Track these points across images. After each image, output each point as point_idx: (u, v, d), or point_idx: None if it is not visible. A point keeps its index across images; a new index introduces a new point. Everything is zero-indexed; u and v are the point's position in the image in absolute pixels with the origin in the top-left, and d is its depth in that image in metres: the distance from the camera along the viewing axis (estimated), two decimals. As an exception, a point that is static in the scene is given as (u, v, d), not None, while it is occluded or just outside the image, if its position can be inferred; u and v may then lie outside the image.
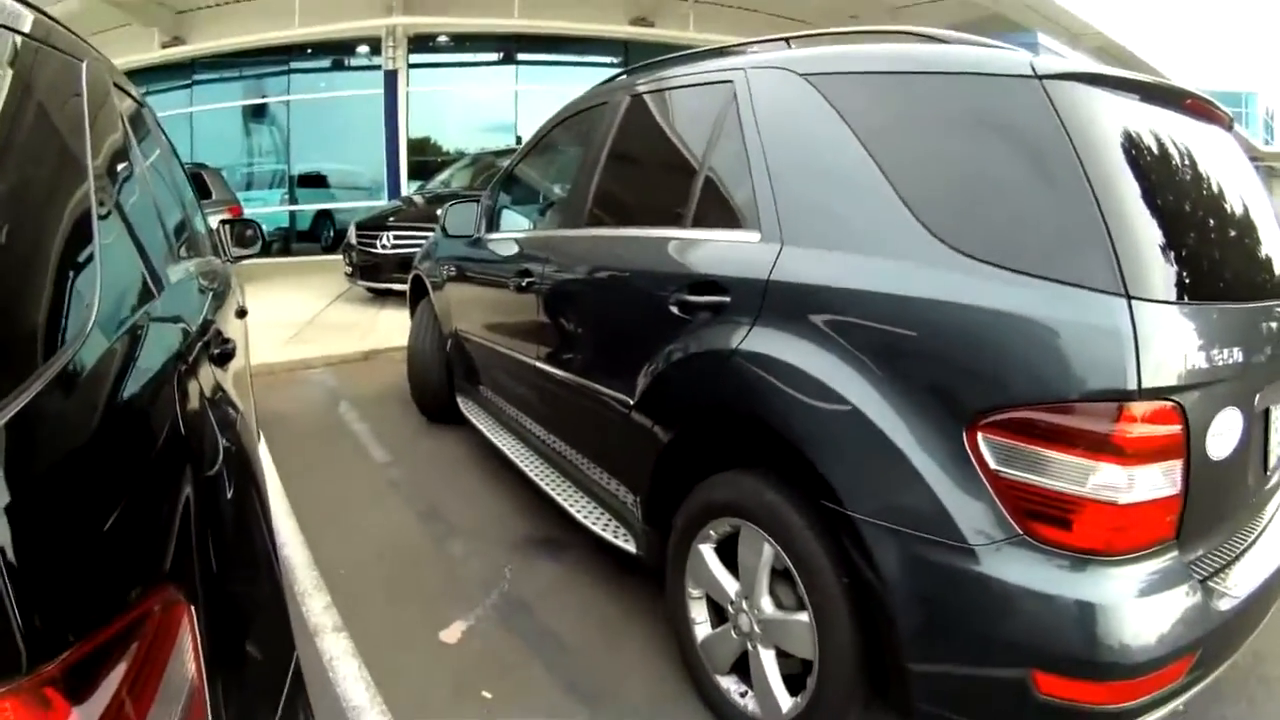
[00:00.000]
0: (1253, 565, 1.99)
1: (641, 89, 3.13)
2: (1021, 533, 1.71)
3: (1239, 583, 1.91)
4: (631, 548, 2.75)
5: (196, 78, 15.08)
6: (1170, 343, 1.65)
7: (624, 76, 3.45)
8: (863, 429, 1.87)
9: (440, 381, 4.99)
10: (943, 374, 1.81)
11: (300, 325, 8.39)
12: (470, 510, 3.90)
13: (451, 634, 2.84)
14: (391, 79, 13.93)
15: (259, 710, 1.07)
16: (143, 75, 14.80)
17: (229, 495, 1.31)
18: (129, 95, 2.19)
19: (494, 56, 15.46)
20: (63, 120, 1.29)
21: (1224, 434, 1.80)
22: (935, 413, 1.79)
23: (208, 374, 1.59)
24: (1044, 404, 1.66)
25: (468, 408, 4.54)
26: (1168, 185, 1.92)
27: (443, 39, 14.72)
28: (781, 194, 2.26)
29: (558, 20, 14.22)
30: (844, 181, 2.13)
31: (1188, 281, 1.75)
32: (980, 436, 1.73)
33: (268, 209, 15.77)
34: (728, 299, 2.30)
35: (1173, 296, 1.69)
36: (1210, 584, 1.85)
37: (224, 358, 1.88)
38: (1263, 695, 2.52)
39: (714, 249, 2.46)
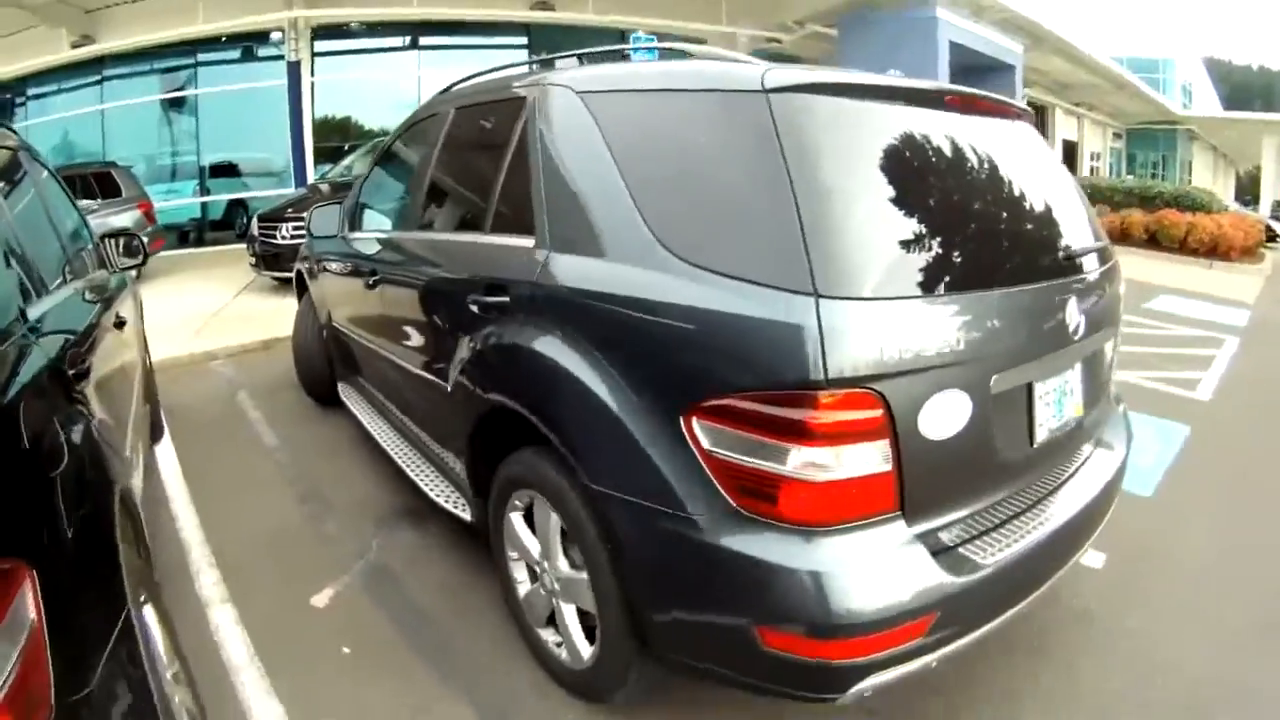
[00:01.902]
0: (1012, 535, 2.13)
1: (462, 103, 3.37)
2: (736, 506, 1.88)
3: (990, 551, 2.04)
4: (467, 516, 3.03)
5: (106, 74, 14.74)
6: (860, 336, 1.76)
7: (453, 88, 3.68)
8: (599, 414, 2.09)
9: (322, 369, 5.21)
10: (664, 367, 2.00)
11: (206, 318, 8.48)
12: (347, 489, 4.19)
13: (321, 599, 3.16)
14: (294, 69, 13.83)
15: (90, 651, 1.38)
16: (53, 75, 14.50)
17: (74, 486, 1.60)
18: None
19: (397, 43, 15.42)
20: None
21: (943, 415, 1.91)
22: (659, 400, 1.98)
23: (56, 385, 1.87)
24: (746, 393, 1.81)
25: (345, 393, 4.78)
26: (887, 186, 1.99)
27: (345, 28, 14.60)
28: (551, 203, 2.45)
29: (458, 7, 14.24)
30: (597, 192, 2.30)
31: (892, 278, 1.86)
32: (695, 422, 1.90)
33: (181, 201, 15.58)
34: (507, 299, 2.54)
35: (867, 293, 1.79)
36: (954, 552, 1.99)
37: (77, 369, 2.13)
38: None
39: (502, 254, 2.67)
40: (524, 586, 2.70)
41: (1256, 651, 2.80)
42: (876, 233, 1.90)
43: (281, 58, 13.80)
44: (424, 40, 15.46)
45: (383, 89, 15.32)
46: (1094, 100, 29.51)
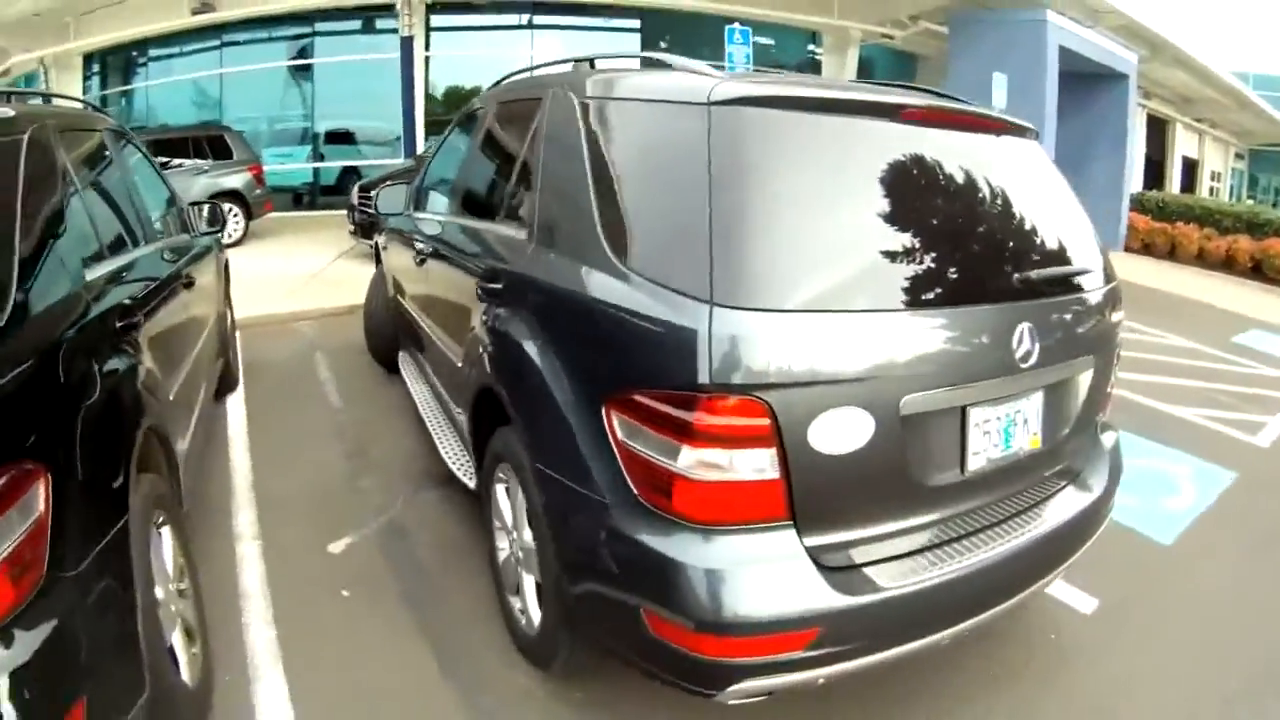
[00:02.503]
0: (934, 563, 2.15)
1: (500, 98, 3.68)
2: (638, 496, 2.03)
3: (897, 576, 2.07)
4: (471, 484, 3.32)
5: (226, 40, 15.79)
6: (749, 345, 1.85)
7: (501, 83, 3.93)
8: (548, 400, 2.31)
9: (390, 337, 5.65)
10: (596, 360, 2.20)
11: (303, 279, 9.14)
12: (390, 450, 4.63)
13: (338, 547, 3.57)
14: (408, 44, 14.44)
15: (85, 543, 1.79)
16: (175, 39, 15.61)
17: (98, 416, 2.02)
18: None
19: (511, 21, 15.96)
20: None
21: (837, 431, 1.94)
22: (589, 392, 2.17)
23: (99, 334, 2.30)
24: (649, 390, 1.96)
25: (402, 361, 5.20)
26: (813, 200, 2.04)
27: (461, 4, 15.22)
28: (541, 199, 2.68)
29: None
30: (572, 192, 2.47)
31: (793, 291, 1.91)
32: (612, 412, 2.07)
33: (295, 165, 16.56)
34: (500, 286, 2.80)
35: (761, 304, 1.87)
36: (855, 572, 2.05)
37: (126, 321, 2.56)
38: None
39: (504, 244, 2.94)
40: (502, 554, 2.92)
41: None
42: (786, 246, 1.95)
43: (395, 31, 14.47)
44: (538, 20, 15.97)
45: (495, 66, 15.84)
46: (1216, 117, 27.97)
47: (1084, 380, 2.60)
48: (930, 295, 2.13)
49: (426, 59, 15.61)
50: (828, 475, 1.98)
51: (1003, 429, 2.31)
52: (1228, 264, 14.83)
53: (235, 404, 5.36)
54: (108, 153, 3.34)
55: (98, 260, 2.59)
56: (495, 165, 3.66)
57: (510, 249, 2.86)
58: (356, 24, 15.59)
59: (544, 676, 2.72)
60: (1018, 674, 2.88)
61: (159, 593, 2.28)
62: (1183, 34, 18.62)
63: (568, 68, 3.26)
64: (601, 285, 2.20)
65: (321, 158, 16.80)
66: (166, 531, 2.52)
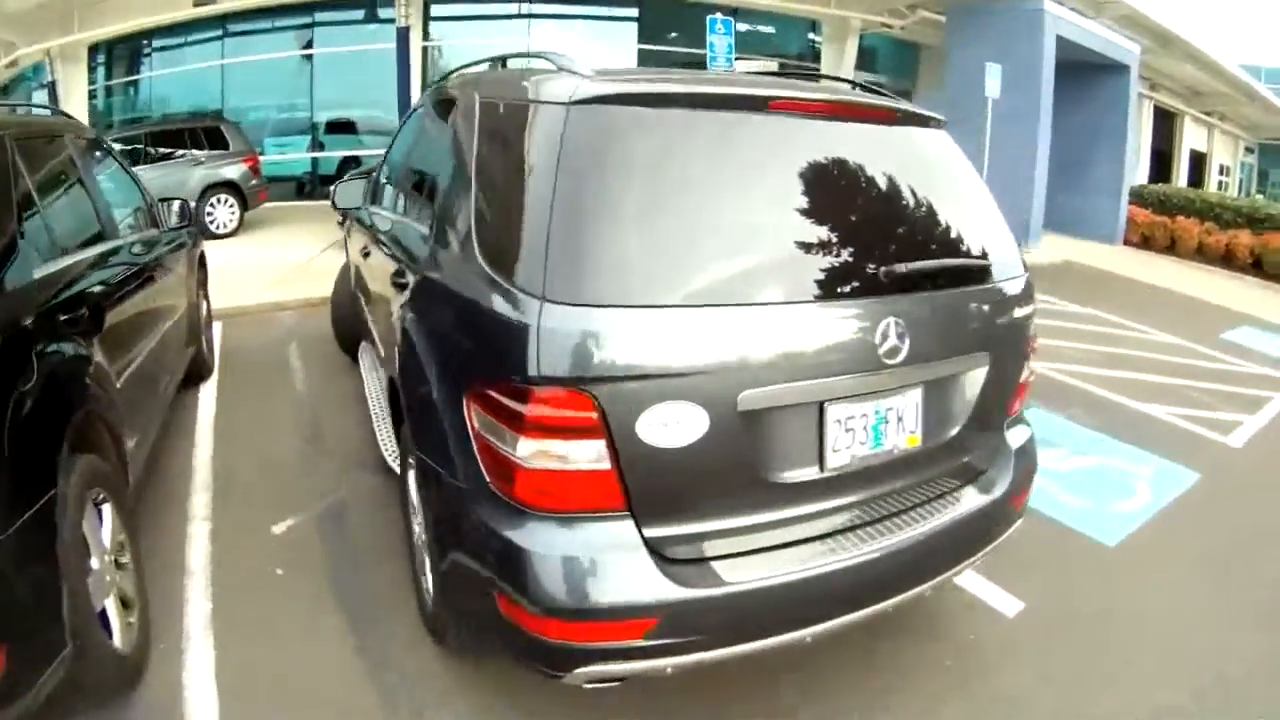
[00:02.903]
0: (791, 560, 2.21)
1: (430, 97, 3.79)
2: (490, 483, 2.13)
3: (746, 571, 2.13)
4: (397, 469, 3.47)
5: (229, 30, 16.15)
6: (574, 340, 1.93)
7: (437, 84, 4.00)
8: (425, 392, 2.49)
9: (352, 327, 5.83)
10: (460, 356, 2.33)
11: (288, 270, 9.47)
12: (346, 437, 4.95)
13: (280, 528, 3.87)
14: (404, 34, 14.67)
15: (11, 512, 2.08)
16: (177, 29, 16.01)
17: (26, 402, 2.32)
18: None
19: (508, 10, 16.27)
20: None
21: (668, 425, 2.00)
22: (455, 384, 2.28)
23: (38, 327, 2.60)
24: (495, 383, 2.05)
25: (361, 351, 5.41)
26: (661, 196, 2.10)
27: None
28: (440, 198, 2.79)
29: None
30: (458, 191, 2.58)
31: (625, 287, 1.98)
32: (470, 404, 2.17)
33: (294, 155, 16.92)
34: (407, 281, 2.95)
35: (589, 300, 1.95)
36: (699, 564, 2.13)
37: (70, 314, 2.87)
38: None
39: (415, 241, 3.05)
40: (415, 536, 3.03)
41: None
42: (619, 243, 2.01)
43: (392, 21, 14.77)
44: (535, 9, 16.26)
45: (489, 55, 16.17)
46: (1226, 110, 27.94)
47: (976, 377, 2.56)
48: (779, 290, 2.15)
49: (426, 49, 15.90)
50: (664, 468, 2.04)
51: (871, 426, 2.32)
52: (1227, 259, 14.94)
53: (207, 391, 5.70)
54: (67, 157, 3.65)
55: (47, 259, 2.89)
56: (420, 163, 3.70)
57: (417, 246, 3.00)
58: (356, 14, 15.92)
59: (447, 654, 2.92)
60: (931, 672, 2.95)
61: (94, 563, 2.60)
62: (1191, 26, 18.69)
63: (484, 67, 3.46)
64: (468, 282, 2.28)
65: (321, 147, 17.12)
66: (108, 509, 2.84)
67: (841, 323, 2.22)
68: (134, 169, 4.99)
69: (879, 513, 2.44)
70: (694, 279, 2.06)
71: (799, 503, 2.27)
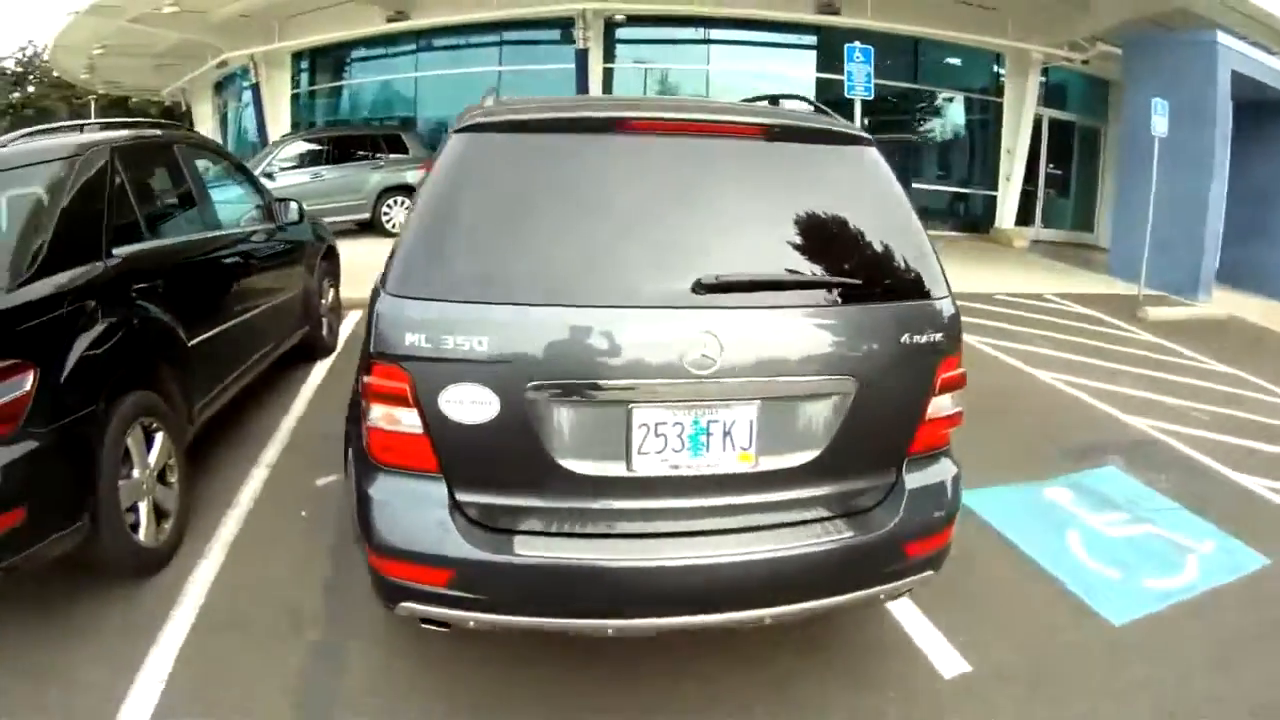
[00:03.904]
0: (582, 548, 2.44)
1: None
2: (367, 441, 2.49)
3: (541, 549, 2.41)
4: None
5: (421, 46, 17.95)
6: (393, 324, 2.32)
7: None
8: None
9: None
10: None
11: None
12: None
13: (323, 481, 4.70)
14: (582, 56, 15.86)
15: (57, 414, 3.03)
16: (374, 42, 18.05)
17: (86, 341, 3.28)
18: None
19: (688, 35, 17.09)
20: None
21: (463, 403, 2.32)
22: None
23: (114, 292, 3.58)
24: (362, 358, 2.53)
25: None
26: (498, 209, 2.43)
27: (638, 19, 16.41)
28: None
29: (740, 6, 15.58)
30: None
31: (441, 284, 2.34)
32: (358, 375, 2.64)
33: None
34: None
35: (408, 293, 2.34)
36: (499, 534, 2.43)
37: (141, 280, 3.86)
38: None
39: None
40: None
41: None
42: (445, 247, 2.41)
43: (573, 43, 16.03)
44: (714, 34, 17.01)
45: (672, 83, 17.18)
46: None
47: (838, 403, 2.52)
48: (587, 294, 2.36)
49: (609, 70, 16.98)
50: (467, 441, 2.37)
51: (689, 436, 2.43)
52: None
53: (321, 367, 6.79)
54: (171, 162, 4.72)
55: (127, 242, 3.88)
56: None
57: None
58: (540, 35, 17.15)
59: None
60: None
61: (135, 472, 3.56)
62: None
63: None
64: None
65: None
66: (160, 436, 3.78)
67: (647, 330, 2.36)
68: (254, 172, 6.13)
69: (708, 525, 2.51)
70: (501, 280, 2.36)
71: (606, 498, 2.46)
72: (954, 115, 18.20)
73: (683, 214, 2.49)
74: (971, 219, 17.62)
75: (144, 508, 3.64)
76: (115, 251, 3.70)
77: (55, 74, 30.98)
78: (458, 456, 2.41)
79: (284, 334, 6.02)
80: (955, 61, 17.52)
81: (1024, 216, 17.41)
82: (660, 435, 2.41)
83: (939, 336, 2.63)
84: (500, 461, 2.42)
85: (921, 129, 18.09)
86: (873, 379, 2.53)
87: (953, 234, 16.82)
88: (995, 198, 17.22)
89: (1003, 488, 4.80)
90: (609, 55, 17.00)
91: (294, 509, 4.41)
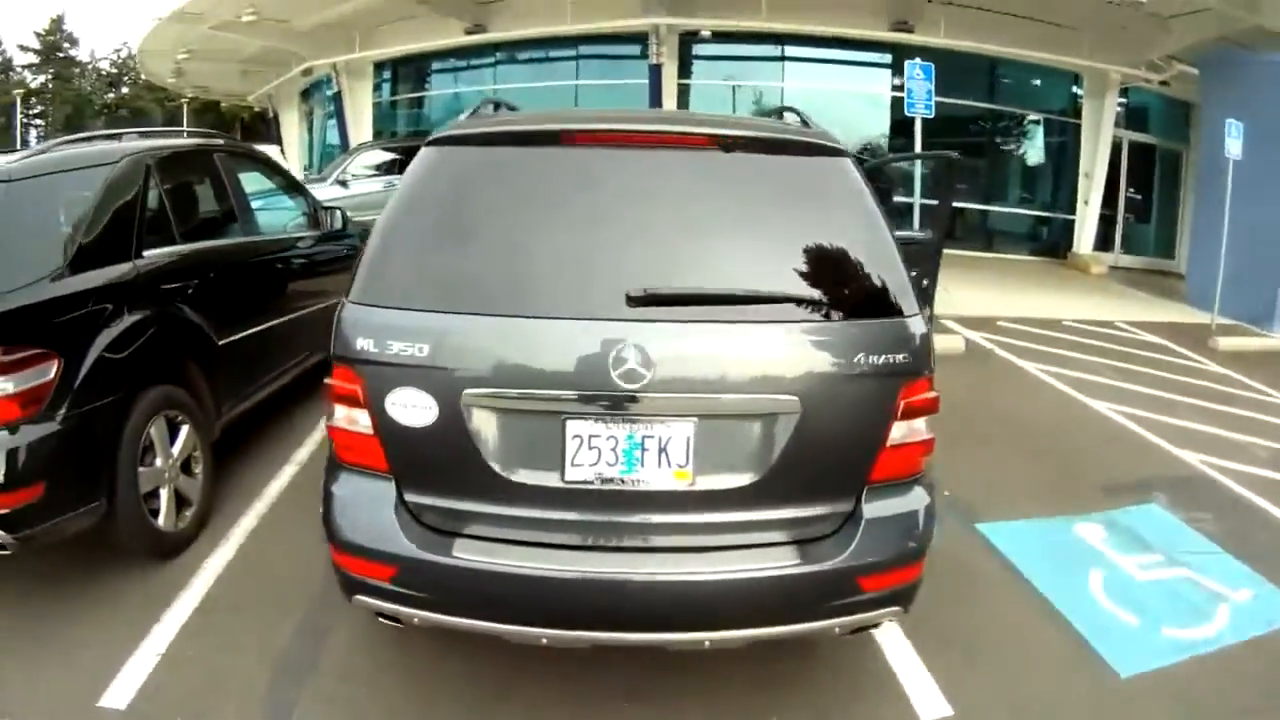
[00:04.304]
0: (517, 555, 2.47)
1: None
2: (331, 438, 2.67)
3: (470, 552, 2.47)
4: None
5: (500, 59, 18.50)
6: (349, 329, 2.46)
7: None
8: None
9: None
10: None
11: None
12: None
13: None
14: (655, 72, 16.07)
15: (76, 402, 3.33)
16: (454, 54, 18.63)
17: (110, 334, 3.59)
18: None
19: (763, 52, 17.08)
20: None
21: (405, 407, 2.43)
22: None
23: (139, 287, 3.90)
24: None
25: None
26: (451, 220, 2.56)
27: (710, 36, 16.56)
28: None
29: (815, 23, 15.56)
30: None
31: (392, 293, 2.46)
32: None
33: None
34: None
35: (365, 301, 2.48)
36: (442, 535, 2.52)
37: (168, 280, 4.19)
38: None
39: None
40: None
41: None
42: (397, 257, 2.54)
43: (646, 58, 16.30)
44: (790, 51, 17.01)
45: (745, 96, 17.31)
46: None
47: (782, 424, 2.47)
48: (521, 304, 2.43)
49: (685, 86, 17.15)
50: (411, 443, 2.48)
51: (622, 450, 2.45)
52: None
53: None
54: (209, 172, 5.06)
55: (158, 245, 4.18)
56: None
57: None
58: (615, 49, 17.43)
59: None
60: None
61: (158, 460, 3.86)
62: None
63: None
64: None
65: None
66: (185, 429, 4.09)
67: (577, 342, 2.40)
68: (306, 182, 6.45)
69: (643, 543, 2.53)
70: (445, 290, 2.46)
71: (542, 506, 2.50)
72: (1031, 137, 17.89)
73: (629, 226, 2.52)
74: (1048, 243, 17.31)
75: (165, 494, 3.93)
76: (145, 254, 4.03)
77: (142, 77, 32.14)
78: (404, 458, 2.52)
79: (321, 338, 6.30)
80: (1032, 82, 17.27)
81: (1103, 242, 17.03)
82: (594, 448, 2.44)
83: (901, 357, 2.51)
84: (440, 465, 2.51)
85: (997, 151, 17.83)
86: (820, 400, 2.46)
87: (1028, 258, 16.63)
88: (1073, 222, 16.88)
89: (1029, 521, 4.64)
90: (684, 71, 17.19)
91: (314, 504, 4.60)
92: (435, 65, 19.61)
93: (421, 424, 2.44)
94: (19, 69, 58.44)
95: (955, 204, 15.57)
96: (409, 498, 2.55)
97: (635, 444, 2.44)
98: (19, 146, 13.01)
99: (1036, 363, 8.16)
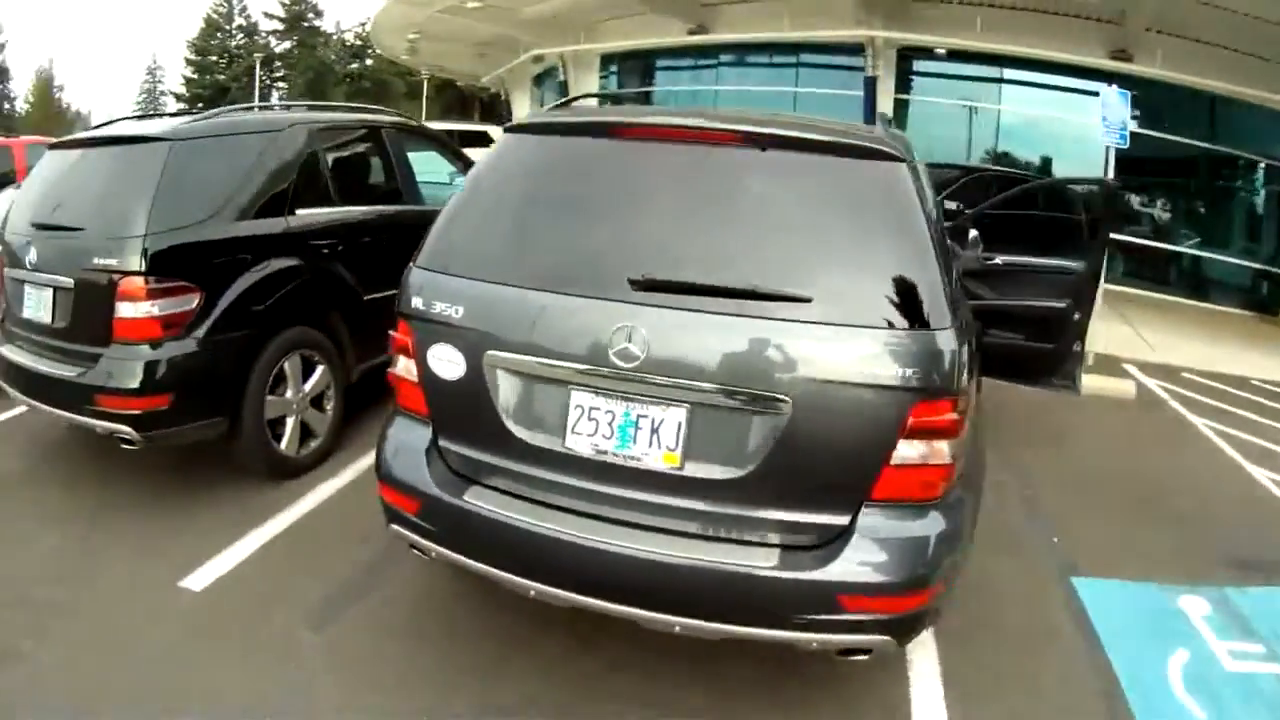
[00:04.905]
0: (517, 507, 2.65)
1: None
2: (392, 384, 2.94)
3: (479, 498, 2.69)
4: None
5: (722, 61, 18.75)
6: (411, 289, 2.75)
7: None
8: None
9: None
10: None
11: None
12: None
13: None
14: (870, 84, 15.93)
15: (214, 330, 3.93)
16: (677, 53, 19.04)
17: (252, 277, 4.18)
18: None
19: (980, 73, 16.47)
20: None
21: (441, 361, 2.69)
22: None
23: (291, 241, 4.44)
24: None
25: None
26: (510, 199, 2.83)
27: (930, 52, 16.16)
28: None
29: (1028, 46, 14.88)
30: None
31: (445, 259, 2.75)
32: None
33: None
34: None
35: (425, 266, 2.78)
36: (461, 479, 2.76)
37: (319, 238, 4.73)
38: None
39: None
40: None
41: None
42: (456, 230, 2.83)
43: (863, 69, 16.17)
44: (1008, 75, 16.30)
45: (959, 116, 16.79)
46: None
47: (771, 423, 2.45)
48: (543, 280, 2.61)
49: (903, 101, 16.79)
50: (445, 394, 2.74)
51: (617, 425, 2.55)
52: None
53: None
54: (374, 143, 5.56)
55: (312, 206, 4.68)
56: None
57: None
58: (835, 59, 17.22)
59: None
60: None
61: (289, 392, 4.40)
62: None
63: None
64: None
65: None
66: (321, 368, 4.61)
67: (584, 319, 2.54)
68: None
69: (629, 517, 2.59)
70: (486, 260, 2.72)
71: (544, 467, 2.65)
72: (1253, 183, 16.27)
73: (652, 215, 2.63)
74: (1260, 298, 15.61)
75: (290, 423, 4.46)
76: (298, 212, 4.56)
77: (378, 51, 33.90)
78: (440, 406, 2.78)
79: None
80: (1260, 124, 15.73)
81: (1328, 302, 15.30)
82: (593, 419, 2.56)
83: (914, 372, 2.37)
84: (466, 417, 2.73)
85: (1213, 194, 16.39)
86: (813, 405, 2.41)
87: (1236, 311, 15.08)
88: (1291, 278, 15.29)
89: (1132, 582, 4.14)
90: (903, 86, 16.86)
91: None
92: (660, 62, 20.07)
93: (453, 378, 2.68)
94: (264, 34, 62.23)
95: (1173, 247, 15.15)
96: (442, 443, 2.80)
97: (630, 421, 2.53)
98: (257, 106, 14.46)
99: (1207, 419, 7.53)
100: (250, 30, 62.43)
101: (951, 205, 9.80)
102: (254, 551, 3.77)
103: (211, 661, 3.05)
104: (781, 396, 2.40)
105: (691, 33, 17.55)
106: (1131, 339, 9.84)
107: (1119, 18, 13.79)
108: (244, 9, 62.65)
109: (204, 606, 3.39)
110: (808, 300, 2.41)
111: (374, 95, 43.28)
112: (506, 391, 2.64)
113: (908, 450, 2.42)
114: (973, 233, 5.03)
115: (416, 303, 2.74)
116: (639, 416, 2.52)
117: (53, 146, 4.83)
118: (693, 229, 2.59)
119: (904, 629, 2.54)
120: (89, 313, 3.94)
